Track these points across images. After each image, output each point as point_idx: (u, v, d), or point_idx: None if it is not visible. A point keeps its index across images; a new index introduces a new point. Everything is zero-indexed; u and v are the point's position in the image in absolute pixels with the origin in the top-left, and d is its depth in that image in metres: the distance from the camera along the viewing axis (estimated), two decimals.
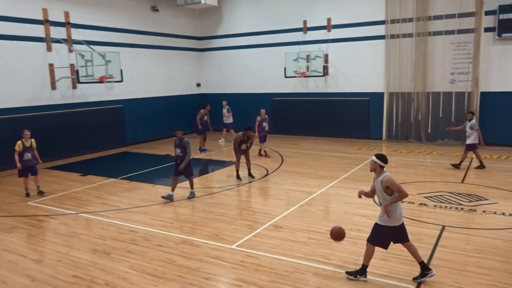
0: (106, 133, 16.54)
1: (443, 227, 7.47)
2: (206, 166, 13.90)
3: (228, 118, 17.70)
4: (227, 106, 17.78)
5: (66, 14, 14.89)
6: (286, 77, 18.24)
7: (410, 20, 15.85)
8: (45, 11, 14.21)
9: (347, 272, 5.71)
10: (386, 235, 5.51)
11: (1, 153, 12.57)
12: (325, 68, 17.67)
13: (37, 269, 6.26)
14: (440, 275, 5.67)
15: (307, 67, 17.69)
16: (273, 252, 6.58)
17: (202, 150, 15.73)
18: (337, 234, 5.79)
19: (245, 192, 10.51)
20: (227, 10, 20.39)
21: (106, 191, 10.64)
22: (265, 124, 14.22)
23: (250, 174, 11.50)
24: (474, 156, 12.15)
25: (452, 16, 15.16)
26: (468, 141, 11.65)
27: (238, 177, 11.32)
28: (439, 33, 15.49)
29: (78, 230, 7.94)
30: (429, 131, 16.15)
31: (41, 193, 10.37)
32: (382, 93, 16.87)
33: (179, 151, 9.54)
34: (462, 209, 8.45)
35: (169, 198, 9.52)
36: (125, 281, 5.78)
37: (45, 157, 13.98)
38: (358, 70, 17.27)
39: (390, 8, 16.17)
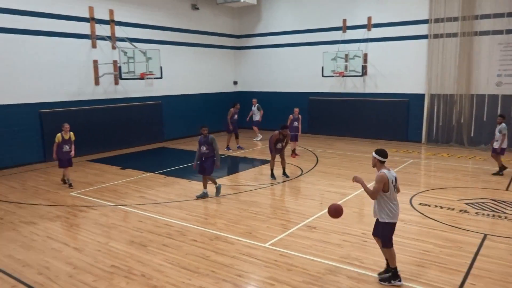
0: (145, 128, 16.97)
1: (485, 235, 7.20)
2: (241, 164, 14.01)
3: (256, 116, 17.75)
4: (257, 104, 17.83)
5: (111, 12, 15.37)
6: (323, 76, 18.08)
7: (456, 19, 15.32)
8: (91, 9, 14.74)
9: (380, 280, 5.62)
10: (393, 231, 5.55)
11: (47, 145, 13.13)
12: (364, 68, 17.38)
13: (78, 257, 6.52)
14: (481, 286, 5.48)
15: (345, 67, 17.47)
16: (306, 252, 6.57)
17: (238, 147, 15.86)
18: (335, 211, 5.84)
19: (279, 191, 10.51)
20: (266, 8, 20.42)
21: (144, 185, 10.92)
22: (296, 123, 14.07)
23: (284, 173, 11.49)
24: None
25: (500, 15, 14.54)
26: (496, 145, 11.38)
27: (272, 175, 11.33)
28: (486, 33, 14.90)
29: (117, 221, 8.21)
30: (472, 135, 15.59)
31: (69, 186, 10.71)
32: (423, 95, 16.41)
33: (205, 148, 9.42)
34: (506, 217, 8.11)
35: (203, 196, 9.64)
36: (160, 273, 5.92)
37: (87, 150, 14.65)
38: (398, 70, 16.88)
39: (434, 6, 15.69)
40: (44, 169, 12.84)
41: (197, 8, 19.02)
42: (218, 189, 9.83)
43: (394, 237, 6.97)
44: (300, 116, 14.30)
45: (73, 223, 8.14)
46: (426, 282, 5.58)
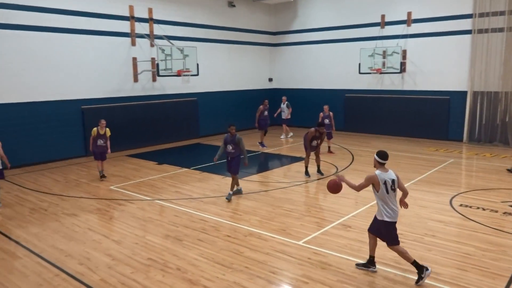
0: (181, 124, 17.26)
1: None
2: (274, 161, 14.00)
3: (285, 113, 17.65)
4: (287, 102, 17.72)
5: (150, 11, 15.70)
6: (360, 73, 17.78)
7: (502, 13, 14.66)
8: (131, 8, 15.10)
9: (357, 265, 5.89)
10: (394, 230, 5.66)
11: (88, 140, 13.54)
12: (403, 64, 16.94)
13: (117, 249, 6.72)
14: None
15: (383, 63, 17.10)
16: (341, 251, 6.49)
17: (261, 144, 15.81)
18: (334, 186, 6.12)
19: (313, 188, 10.43)
20: (303, 5, 20.26)
21: (180, 180, 11.11)
22: (327, 121, 13.97)
23: (319, 171, 11.39)
24: None
25: None
26: None
27: (306, 173, 11.26)
28: None
29: (153, 215, 8.40)
30: None
31: (103, 177, 11.25)
32: (465, 92, 15.83)
33: (231, 147, 9.22)
34: None
35: (238, 193, 9.61)
36: (195, 267, 6.01)
37: (125, 146, 15.08)
38: (439, 67, 16.34)
39: (479, 0, 15.07)
40: (85, 163, 13.29)
41: (234, 6, 19.11)
42: (239, 191, 9.64)
43: (433, 238, 6.80)
44: (331, 113, 14.26)
45: (112, 216, 8.39)
46: (466, 286, 5.39)
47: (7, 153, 12.34)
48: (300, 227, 7.57)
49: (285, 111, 17.64)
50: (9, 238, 7.28)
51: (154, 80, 16.17)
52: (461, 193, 9.57)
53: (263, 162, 13.77)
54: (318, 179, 11.02)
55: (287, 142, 16.99)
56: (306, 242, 6.89)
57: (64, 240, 7.14)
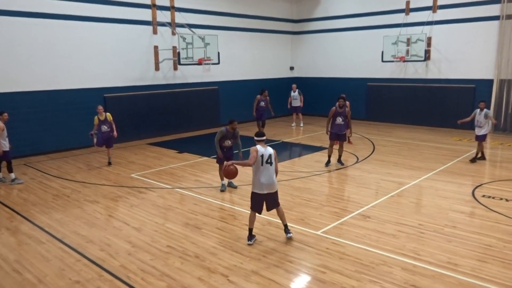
0: (202, 113, 17.33)
1: None
2: (294, 150, 13.94)
3: (297, 101, 17.50)
4: (298, 90, 17.54)
5: None
6: (383, 61, 17.44)
7: None
8: None
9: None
10: (254, 200, 6.41)
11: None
12: (427, 52, 16.52)
13: (137, 236, 6.84)
14: None
15: (407, 51, 16.71)
16: (359, 242, 6.44)
17: None
18: (229, 173, 6.73)
19: (333, 178, 10.35)
20: None
21: (200, 169, 11.19)
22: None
23: (339, 161, 11.28)
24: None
25: None
26: (483, 132, 11.10)
27: (328, 162, 11.17)
28: None
29: (173, 203, 8.50)
30: None
31: (109, 164, 11.60)
32: (491, 80, 15.36)
33: (230, 142, 9.14)
34: None
35: (232, 186, 9.39)
36: (214, 256, 6.07)
37: (146, 134, 15.29)
38: (465, 54, 15.88)
39: None
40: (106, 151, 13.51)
41: None
42: (231, 183, 9.40)
43: (454, 230, 6.70)
44: (347, 102, 12.54)
45: (133, 203, 8.53)
46: (487, 278, 5.29)
47: (33, 139, 12.74)
48: (319, 217, 7.54)
49: (297, 98, 17.49)
50: (33, 223, 7.50)
51: (175, 68, 16.25)
52: (484, 183, 9.34)
53: (283, 152, 13.73)
54: (338, 169, 10.92)
55: (301, 131, 16.87)
56: (325, 232, 6.86)
57: (85, 226, 7.31)
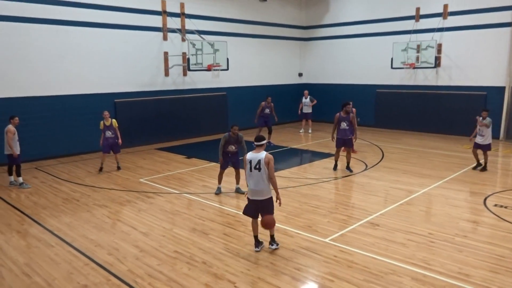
0: (210, 119, 17.37)
1: None
2: (303, 157, 13.89)
3: (309, 108, 17.49)
4: (309, 96, 17.54)
5: (182, 6, 15.83)
6: (392, 68, 17.37)
7: None
8: (163, 2, 15.29)
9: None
10: (247, 204, 6.37)
11: (120, 132, 13.86)
12: (437, 59, 16.43)
13: (145, 241, 6.85)
14: None
15: (417, 58, 16.62)
16: (368, 250, 6.38)
17: (268, 143, 15.43)
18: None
19: (341, 185, 10.30)
20: None
21: (208, 174, 11.20)
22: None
23: (348, 168, 11.22)
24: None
25: None
26: (487, 141, 10.83)
27: (335, 167, 11.25)
28: None
29: (181, 208, 8.51)
30: None
31: (118, 169, 11.63)
32: (503, 87, 15.23)
33: (234, 147, 9.23)
34: None
35: (218, 193, 9.41)
36: (221, 262, 6.05)
37: (155, 139, 15.37)
38: (476, 61, 15.77)
39: None
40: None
41: (265, 0, 19.02)
42: (239, 189, 9.49)
43: (464, 239, 6.64)
44: (353, 109, 11.93)
45: (141, 208, 8.55)
46: None
47: (43, 143, 12.87)
48: (327, 224, 7.49)
49: (308, 105, 17.50)
50: (43, 226, 7.55)
51: (184, 74, 16.34)
52: (496, 192, 9.22)
53: (291, 158, 13.70)
54: (346, 176, 10.86)
55: (309, 137, 16.82)
56: (333, 239, 6.81)
57: (94, 230, 7.34)
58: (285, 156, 13.69)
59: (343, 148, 11.33)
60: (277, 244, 6.46)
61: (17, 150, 9.86)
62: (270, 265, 5.94)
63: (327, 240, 6.79)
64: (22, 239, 7.02)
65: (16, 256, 6.33)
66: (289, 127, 19.39)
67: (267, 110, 15.31)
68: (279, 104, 19.31)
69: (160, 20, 15.35)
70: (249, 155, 6.23)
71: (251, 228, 7.22)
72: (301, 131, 18.04)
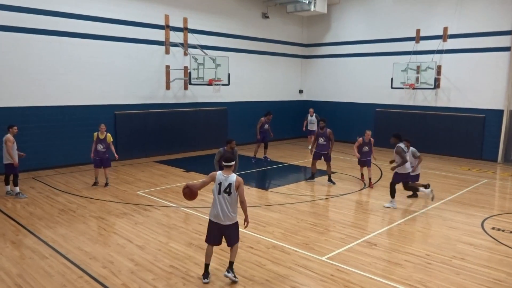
0: (210, 133, 17.39)
1: None
2: (301, 173, 13.88)
3: (314, 125, 17.60)
4: (315, 114, 17.68)
5: (185, 20, 16.00)
6: (392, 88, 17.49)
7: None
8: (167, 17, 15.45)
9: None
10: (208, 228, 5.96)
11: (119, 145, 13.88)
12: (437, 80, 16.56)
13: (140, 254, 6.79)
14: None
15: (417, 79, 16.75)
16: (365, 270, 6.33)
17: (264, 158, 15.45)
18: (188, 195, 6.24)
19: (339, 203, 10.26)
20: (336, 17, 20.19)
21: (205, 188, 10.96)
22: (366, 148, 11.79)
23: (330, 180, 11.84)
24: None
25: None
26: (416, 171, 10.60)
27: (311, 177, 12.08)
28: None
29: (178, 222, 8.46)
30: None
31: (106, 185, 11.14)
32: (501, 111, 15.32)
33: None
34: None
35: None
36: (216, 277, 5.99)
37: (154, 152, 15.36)
38: (475, 84, 15.90)
39: None
40: (114, 167, 13.53)
41: (267, 17, 19.25)
42: None
43: (462, 262, 6.61)
44: (372, 139, 11.98)
45: (138, 221, 8.50)
46: None
47: (42, 154, 12.83)
48: (324, 242, 7.46)
49: (314, 122, 17.61)
50: (38, 237, 7.48)
51: (185, 88, 16.42)
52: (493, 215, 9.21)
53: (289, 174, 13.68)
54: (344, 194, 10.84)
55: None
56: (330, 258, 6.76)
57: (89, 242, 7.28)
58: (284, 172, 13.68)
59: (324, 161, 11.89)
60: (235, 276, 5.87)
61: (16, 159, 9.86)
62: (266, 282, 5.89)
63: (324, 258, 6.74)
64: (16, 250, 6.95)
65: (9, 267, 6.26)
66: (287, 143, 19.41)
67: (266, 126, 15.35)
68: (279, 121, 19.41)
69: (163, 34, 15.50)
70: (220, 177, 5.79)
71: (247, 245, 7.22)
72: (309, 147, 18.03)
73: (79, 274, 6.04)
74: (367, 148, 11.67)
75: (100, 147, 11.10)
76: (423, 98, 17.50)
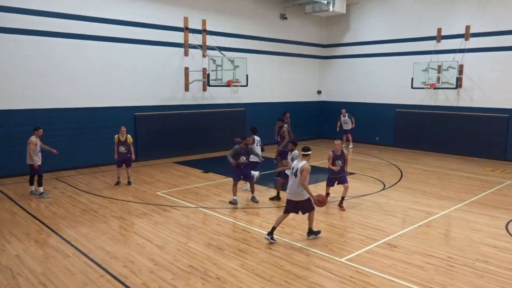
0: (229, 134, 17.38)
1: None
2: (320, 174, 13.78)
3: (348, 125, 18.00)
4: (347, 114, 18.02)
5: (204, 22, 16.11)
6: (412, 88, 17.24)
7: None
8: (186, 19, 15.58)
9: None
10: (288, 205, 7.45)
11: (139, 145, 14.07)
12: (459, 80, 16.25)
13: (160, 254, 6.86)
14: None
15: (438, 78, 16.48)
16: (385, 272, 6.25)
17: (275, 159, 15.37)
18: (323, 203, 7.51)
19: (358, 205, 10.15)
20: (355, 17, 20.02)
21: (224, 189, 11.21)
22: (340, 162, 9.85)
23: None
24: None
25: None
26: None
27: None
28: None
29: (197, 223, 8.51)
30: None
31: (129, 184, 11.55)
32: None
33: (244, 158, 9.75)
34: None
35: (234, 203, 9.71)
36: (235, 278, 6.01)
37: (173, 153, 15.49)
38: (498, 83, 15.54)
39: None
40: (134, 168, 13.70)
41: (286, 18, 19.22)
42: (254, 198, 10.05)
43: (485, 265, 6.49)
44: (346, 152, 10.11)
45: (157, 221, 8.59)
46: None
47: (64, 154, 13.08)
48: (343, 244, 7.39)
49: (348, 122, 18.09)
50: (61, 236, 7.64)
51: (204, 89, 16.53)
52: None
53: (312, 175, 13.57)
54: (363, 195, 10.73)
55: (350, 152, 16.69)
56: (349, 259, 6.70)
57: (110, 242, 7.39)
58: None
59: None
60: (315, 234, 7.58)
61: (37, 161, 10.06)
62: (285, 283, 5.87)
63: (343, 260, 6.69)
64: (40, 249, 7.11)
65: (33, 266, 6.40)
66: (305, 144, 19.28)
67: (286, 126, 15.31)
68: (298, 121, 19.34)
69: (182, 36, 15.64)
70: (294, 164, 7.44)
71: (266, 245, 7.22)
72: (343, 145, 18.03)
73: (101, 273, 6.13)
74: (340, 162, 9.73)
75: (122, 148, 11.34)
76: (445, 98, 17.19)
